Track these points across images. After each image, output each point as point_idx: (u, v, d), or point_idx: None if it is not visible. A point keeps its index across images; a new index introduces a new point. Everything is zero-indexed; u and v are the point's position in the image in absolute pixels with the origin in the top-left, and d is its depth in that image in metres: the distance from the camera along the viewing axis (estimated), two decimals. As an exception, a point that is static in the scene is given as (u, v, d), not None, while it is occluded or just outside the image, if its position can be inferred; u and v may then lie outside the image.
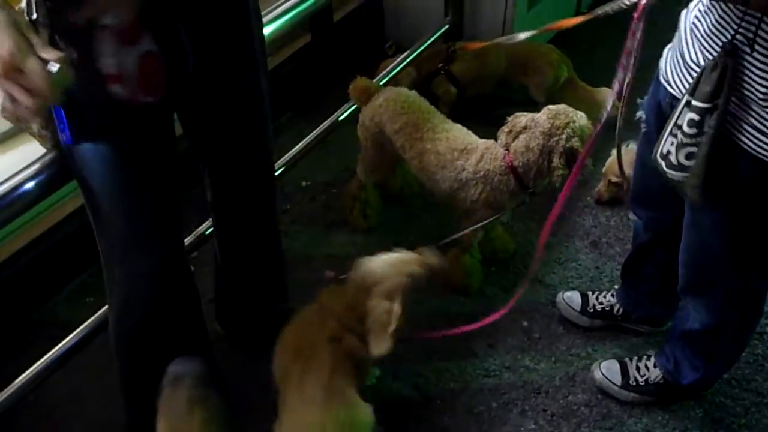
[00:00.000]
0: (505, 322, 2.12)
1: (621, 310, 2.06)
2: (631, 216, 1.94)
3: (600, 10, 1.45)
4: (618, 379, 1.92)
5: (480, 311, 2.15)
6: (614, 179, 2.42)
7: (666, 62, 1.46)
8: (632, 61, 1.37)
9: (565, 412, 1.91)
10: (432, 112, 2.15)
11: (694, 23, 1.30)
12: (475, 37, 2.90)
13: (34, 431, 1.90)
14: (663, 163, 1.35)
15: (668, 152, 1.33)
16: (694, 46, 1.32)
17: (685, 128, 1.26)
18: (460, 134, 2.08)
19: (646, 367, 1.91)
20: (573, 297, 2.12)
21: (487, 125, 2.72)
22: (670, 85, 1.42)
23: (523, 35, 1.96)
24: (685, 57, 1.35)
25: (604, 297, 2.09)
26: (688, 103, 1.25)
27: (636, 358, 1.95)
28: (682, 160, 1.31)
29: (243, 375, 1.96)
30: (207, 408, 1.11)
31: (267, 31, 2.13)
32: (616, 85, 1.42)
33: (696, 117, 1.24)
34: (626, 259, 2.00)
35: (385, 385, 1.97)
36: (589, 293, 2.12)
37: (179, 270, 1.57)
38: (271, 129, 1.66)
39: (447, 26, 2.86)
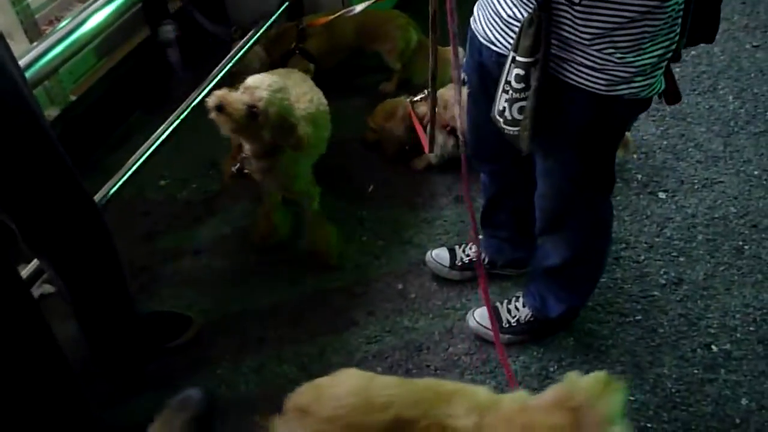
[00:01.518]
0: (381, 287, 2.17)
1: (486, 258, 2.13)
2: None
3: None
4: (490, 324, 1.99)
5: (356, 282, 2.19)
6: (372, 125, 2.58)
7: (480, 23, 1.49)
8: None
9: (447, 365, 1.97)
10: None
11: None
12: (316, 10, 2.88)
13: None
14: (501, 120, 1.40)
15: (503, 108, 1.38)
16: (508, 3, 1.36)
17: (514, 83, 1.32)
18: None
19: (516, 308, 2.00)
20: (441, 253, 2.17)
21: (346, 94, 2.76)
22: (492, 44, 1.46)
23: (359, 7, 1.98)
24: (501, 14, 1.39)
25: (470, 248, 2.16)
26: (513, 60, 1.31)
27: (506, 301, 2.03)
28: (516, 115, 1.37)
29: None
30: None
31: (94, 22, 2.04)
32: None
33: (522, 72, 1.30)
34: (482, 210, 2.07)
35: (271, 371, 1.95)
36: (456, 247, 2.18)
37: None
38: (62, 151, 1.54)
39: (286, 3, 2.82)
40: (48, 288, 2.17)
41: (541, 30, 1.26)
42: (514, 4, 1.34)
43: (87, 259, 1.70)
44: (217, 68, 2.51)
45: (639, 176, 2.52)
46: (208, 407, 1.18)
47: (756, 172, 2.53)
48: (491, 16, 1.43)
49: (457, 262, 2.15)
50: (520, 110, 1.36)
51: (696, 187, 2.48)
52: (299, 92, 2.11)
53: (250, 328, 2.07)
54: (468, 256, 2.15)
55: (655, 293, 2.14)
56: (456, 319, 2.07)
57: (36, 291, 2.12)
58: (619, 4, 1.19)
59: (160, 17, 2.87)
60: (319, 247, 2.21)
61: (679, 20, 1.28)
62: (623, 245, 2.28)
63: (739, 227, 2.33)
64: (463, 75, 1.65)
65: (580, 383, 1.17)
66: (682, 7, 1.25)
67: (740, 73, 3.00)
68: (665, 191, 2.47)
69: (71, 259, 1.67)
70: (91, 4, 2.04)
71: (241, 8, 3.06)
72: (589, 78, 1.31)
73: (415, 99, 2.49)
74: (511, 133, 1.40)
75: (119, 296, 1.85)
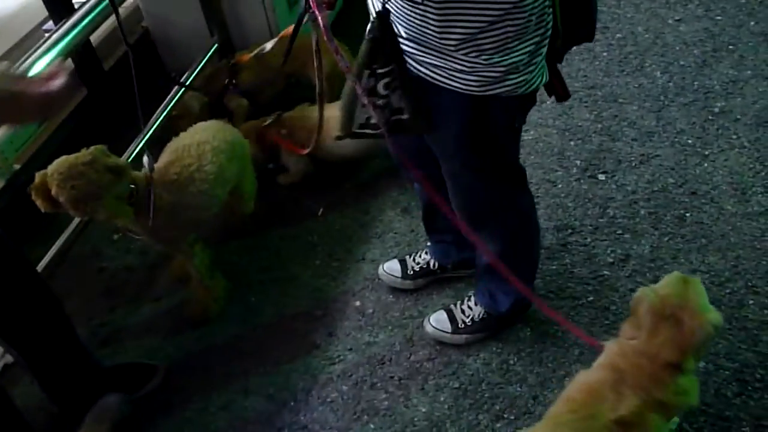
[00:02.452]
0: (339, 307, 2.20)
1: (436, 264, 2.18)
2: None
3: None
4: (448, 326, 2.03)
5: (315, 305, 2.22)
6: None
7: None
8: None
9: (410, 373, 2.00)
10: None
11: None
12: (247, 46, 2.93)
13: None
14: (369, 130, 1.46)
15: (368, 117, 1.43)
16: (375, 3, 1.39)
17: (381, 91, 1.37)
18: None
19: (469, 307, 2.04)
20: (393, 265, 2.21)
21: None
22: None
23: (269, 44, 2.04)
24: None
25: (420, 257, 2.20)
26: (373, 72, 1.35)
27: (459, 302, 2.07)
28: (388, 116, 1.42)
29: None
30: None
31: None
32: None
33: (387, 79, 1.36)
34: (422, 217, 2.11)
35: (239, 405, 1.98)
36: (407, 257, 2.22)
37: None
38: None
39: (216, 44, 2.88)
40: (9, 358, 2.19)
41: (387, 36, 1.31)
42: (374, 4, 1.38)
43: (36, 327, 1.73)
44: (156, 113, 2.57)
45: (577, 162, 2.58)
46: (127, 410, 1.18)
47: (690, 141, 2.60)
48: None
49: (408, 271, 2.19)
50: (395, 111, 1.41)
51: (634, 164, 2.55)
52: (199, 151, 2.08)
53: (215, 365, 2.09)
54: (419, 264, 2.19)
55: (605, 272, 2.19)
56: (414, 327, 2.11)
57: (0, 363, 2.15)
58: (476, 9, 1.23)
59: (95, 75, 2.91)
60: (194, 306, 2.22)
61: (546, 18, 1.32)
62: (569, 231, 2.33)
63: (678, 196, 2.40)
64: None
65: (662, 290, 1.35)
66: (546, 5, 1.30)
67: (665, 48, 3.09)
68: (604, 173, 2.53)
69: (20, 329, 1.70)
70: (18, 66, 2.07)
71: (175, 55, 3.12)
72: (462, 81, 1.36)
73: (266, 123, 2.56)
74: (375, 132, 1.46)
75: (76, 357, 1.87)
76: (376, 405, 1.93)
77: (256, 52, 2.21)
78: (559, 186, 2.49)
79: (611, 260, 2.22)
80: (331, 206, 2.56)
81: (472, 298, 2.05)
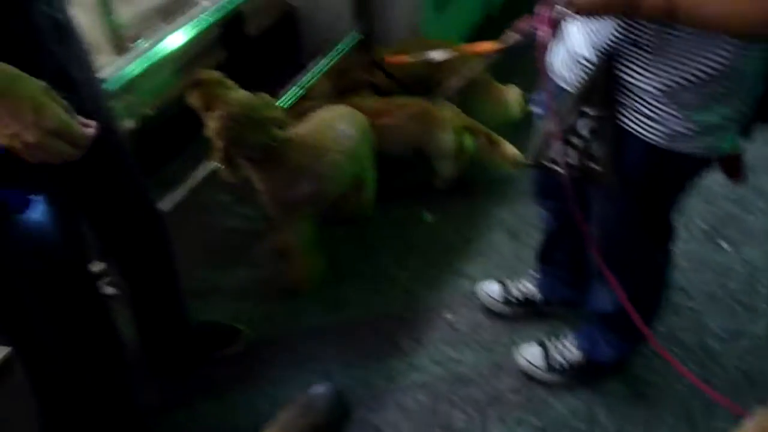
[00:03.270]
0: (430, 316, 2.17)
1: (539, 295, 2.11)
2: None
3: (511, 40, 1.50)
4: (541, 362, 1.96)
5: (405, 308, 2.19)
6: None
7: (556, 57, 1.50)
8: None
9: (492, 400, 1.94)
10: None
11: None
12: (386, 43, 2.94)
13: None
14: (555, 166, 1.42)
15: (566, 154, 1.39)
16: (579, 42, 1.36)
17: (583, 133, 1.33)
18: None
19: (566, 347, 1.96)
20: (493, 287, 2.16)
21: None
22: (563, 80, 1.46)
23: (438, 54, 2.03)
24: (570, 52, 1.40)
25: (523, 285, 2.14)
26: (581, 112, 1.32)
27: (556, 340, 2.00)
28: (581, 159, 1.38)
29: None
30: None
31: (176, 42, 2.15)
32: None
33: (593, 123, 1.32)
34: (539, 247, 2.05)
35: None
36: (509, 282, 2.17)
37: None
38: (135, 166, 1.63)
39: (358, 35, 2.91)
40: (109, 290, 2.26)
41: (611, 82, 1.27)
42: (587, 46, 1.34)
43: (149, 265, 1.77)
44: (286, 92, 2.61)
45: (702, 224, 2.46)
46: (339, 411, 1.13)
47: (827, 230, 2.44)
48: (565, 52, 1.44)
49: (508, 297, 2.13)
50: (590, 156, 1.37)
51: (761, 239, 2.41)
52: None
53: (299, 345, 2.09)
54: (520, 291, 2.13)
55: (713, 345, 2.07)
56: (504, 355, 2.05)
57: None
58: (696, 62, 1.18)
59: (237, 41, 2.99)
60: (288, 278, 2.24)
61: (757, 88, 1.26)
62: (681, 293, 2.22)
63: (806, 284, 2.25)
64: (535, 108, 1.66)
65: None
66: (761, 74, 1.23)
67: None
68: (728, 241, 2.40)
69: (135, 264, 1.75)
70: (173, 25, 2.16)
71: (315, 36, 3.17)
72: (648, 128, 1.30)
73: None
74: (572, 175, 1.41)
75: (175, 302, 1.91)
76: (452, 424, 1.88)
77: (419, 58, 2.20)
78: (679, 245, 2.36)
79: (722, 334, 2.10)
80: (439, 214, 2.53)
81: (572, 339, 1.97)
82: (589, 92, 1.31)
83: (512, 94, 2.74)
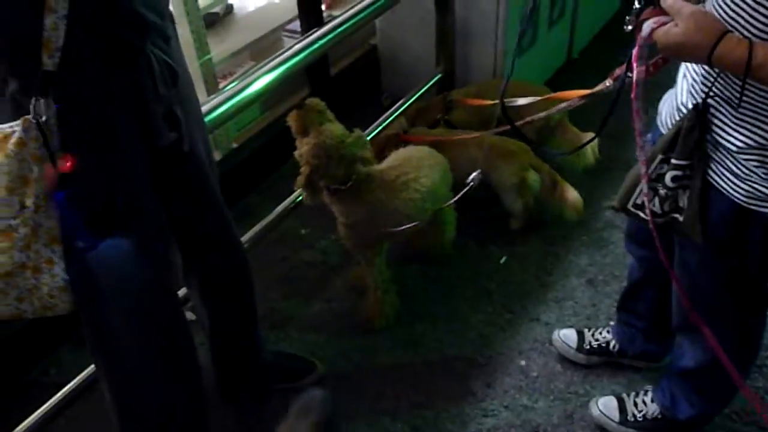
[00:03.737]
0: (503, 361, 2.14)
1: (617, 346, 2.06)
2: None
3: (601, 86, 1.50)
4: (616, 415, 1.91)
5: (478, 351, 2.18)
6: None
7: (663, 106, 1.49)
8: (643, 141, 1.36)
9: (564, 451, 1.90)
10: None
11: (686, 67, 1.34)
12: (467, 82, 2.97)
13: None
14: (640, 212, 1.41)
15: (643, 203, 1.38)
16: (683, 89, 1.35)
17: (668, 182, 1.31)
18: None
19: (644, 402, 1.90)
20: (569, 334, 2.12)
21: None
22: (664, 127, 1.45)
23: (522, 101, 2.05)
24: (676, 99, 1.39)
25: (600, 334, 2.10)
26: (667, 160, 1.31)
27: (633, 393, 1.94)
28: (666, 208, 1.37)
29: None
30: None
31: (264, 83, 2.23)
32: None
33: (678, 173, 1.30)
34: (621, 295, 2.01)
35: (384, 427, 1.97)
36: (586, 330, 2.13)
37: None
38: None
39: (439, 75, 2.95)
40: (189, 315, 2.33)
41: (702, 136, 1.25)
42: (687, 94, 1.33)
43: (230, 293, 1.83)
44: (368, 131, 2.66)
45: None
46: (332, 409, 1.17)
47: None
48: (671, 101, 1.43)
49: (585, 345, 2.09)
50: (673, 206, 1.35)
51: None
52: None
53: (370, 381, 2.11)
54: (597, 340, 2.08)
55: (804, 410, 1.97)
56: (578, 405, 2.00)
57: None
58: None
59: (321, 78, 3.08)
60: (362, 314, 2.27)
61: None
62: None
63: None
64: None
65: None
66: None
67: None
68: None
69: (217, 292, 1.80)
70: (262, 66, 2.25)
71: (396, 77, 3.24)
72: (731, 185, 1.28)
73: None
74: (656, 222, 1.38)
75: (251, 332, 1.95)
76: (523, 473, 1.85)
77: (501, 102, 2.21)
78: None
79: (815, 398, 2.00)
80: (514, 257, 2.52)
81: (650, 394, 1.91)
82: (675, 140, 1.29)
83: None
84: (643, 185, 1.34)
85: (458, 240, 2.50)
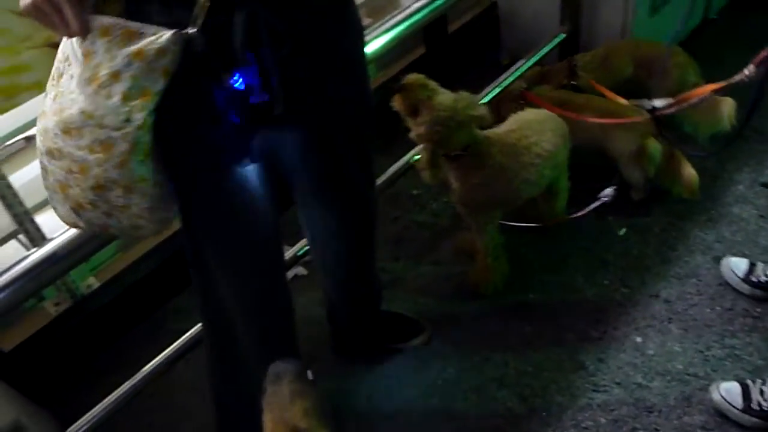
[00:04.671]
0: (617, 336, 2.07)
1: None
2: None
3: (740, 76, 1.40)
4: (739, 402, 1.81)
5: (592, 326, 2.12)
6: None
7: None
8: None
9: (679, 434, 1.83)
10: None
11: None
12: (592, 45, 2.83)
13: (153, 419, 2.05)
14: None
15: None
16: None
17: None
18: None
19: None
20: (739, 264, 2.14)
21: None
22: None
23: (660, 102, 1.93)
24: None
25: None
26: None
27: (760, 381, 1.83)
28: None
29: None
30: (308, 399, 1.17)
31: (381, 42, 2.22)
32: None
33: None
34: None
35: (490, 394, 1.96)
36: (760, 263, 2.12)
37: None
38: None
39: (563, 35, 2.82)
40: (302, 270, 2.40)
41: None
42: None
43: (353, 245, 1.81)
44: (486, 92, 2.60)
45: None
46: (301, 369, 1.22)
47: None
48: None
49: (753, 278, 2.08)
50: None
51: None
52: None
53: (477, 346, 2.10)
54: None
55: None
56: (696, 388, 1.91)
57: (291, 272, 2.36)
58: None
59: (438, 37, 3.02)
60: (472, 279, 2.25)
61: None
62: None
63: None
64: None
65: None
66: None
67: None
68: None
69: (344, 232, 1.76)
70: (380, 25, 2.24)
71: (516, 35, 3.13)
72: None
73: None
74: None
75: (369, 285, 1.98)
76: (632, 452, 1.80)
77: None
78: None
79: None
80: (634, 229, 2.40)
81: None
82: None
83: (726, 105, 2.52)
84: None
85: (574, 210, 2.41)
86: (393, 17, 2.36)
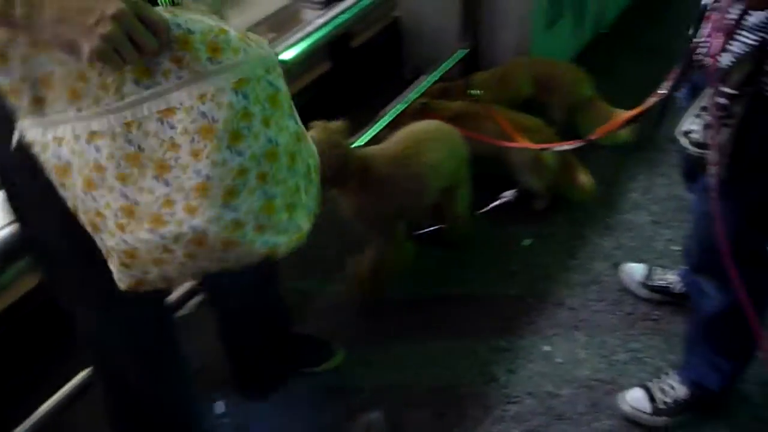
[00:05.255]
0: (526, 346, 2.11)
1: (683, 289, 2.11)
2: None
3: (653, 99, 1.57)
4: (647, 406, 1.87)
5: (501, 337, 2.14)
6: None
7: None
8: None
9: (589, 440, 1.87)
10: None
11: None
12: (493, 60, 2.89)
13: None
14: (685, 140, 1.42)
15: (691, 131, 1.40)
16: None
17: (714, 111, 1.32)
18: None
19: (671, 386, 1.87)
20: (636, 268, 2.23)
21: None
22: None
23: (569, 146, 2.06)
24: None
25: (667, 275, 2.18)
26: (717, 90, 1.31)
27: (657, 380, 1.91)
28: (707, 140, 1.37)
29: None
30: None
31: (285, 58, 2.18)
32: None
33: (725, 101, 1.31)
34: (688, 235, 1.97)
35: (405, 413, 1.94)
36: (655, 268, 2.21)
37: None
38: None
39: (464, 51, 2.87)
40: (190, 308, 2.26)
41: (759, 67, 1.27)
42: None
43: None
44: (390, 109, 2.60)
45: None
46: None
47: None
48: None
49: (649, 282, 2.18)
50: (713, 136, 1.35)
51: None
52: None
53: (390, 364, 2.08)
54: (663, 280, 2.17)
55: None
56: (603, 394, 1.97)
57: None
58: None
59: (342, 52, 3.00)
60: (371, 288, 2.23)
61: None
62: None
63: None
64: (680, 95, 1.61)
65: None
66: None
67: None
68: None
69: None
70: (283, 40, 2.22)
71: (420, 50, 3.15)
72: None
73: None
74: (694, 154, 1.41)
75: (274, 313, 1.92)
76: (546, 461, 1.83)
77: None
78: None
79: None
80: (538, 238, 2.47)
81: (673, 376, 1.89)
82: (732, 72, 1.31)
83: (621, 117, 2.63)
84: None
85: (480, 221, 2.45)
86: (295, 33, 2.33)
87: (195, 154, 1.00)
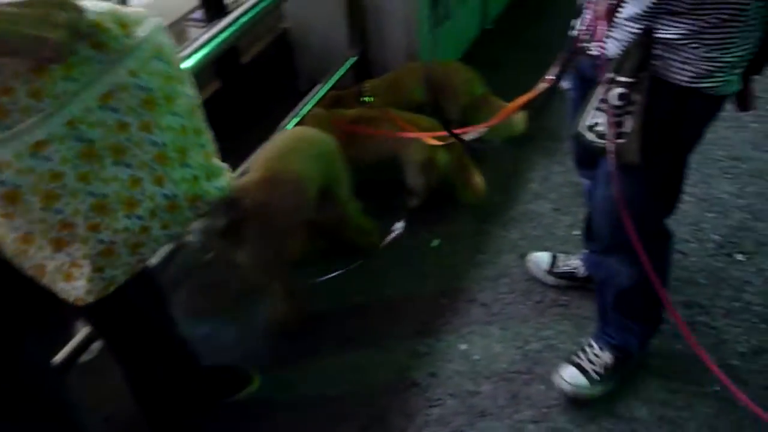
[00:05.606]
0: (443, 347, 2.12)
1: (585, 273, 2.21)
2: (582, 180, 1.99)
3: (541, 86, 1.61)
4: (583, 380, 1.92)
5: (419, 341, 2.14)
6: None
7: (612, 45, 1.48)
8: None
9: (512, 432, 1.90)
10: None
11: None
12: (384, 65, 2.90)
13: None
14: (590, 135, 1.46)
15: (596, 124, 1.44)
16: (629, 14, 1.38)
17: (614, 102, 1.37)
18: None
19: (596, 354, 1.94)
20: (543, 257, 2.29)
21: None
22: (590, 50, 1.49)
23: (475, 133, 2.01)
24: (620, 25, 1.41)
25: (571, 260, 2.26)
26: (612, 80, 1.36)
27: (582, 353, 1.96)
28: (610, 130, 1.41)
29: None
30: None
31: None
32: None
33: (623, 90, 1.36)
34: (584, 223, 2.06)
35: (331, 430, 1.92)
36: (559, 255, 2.28)
37: None
38: None
39: (354, 58, 2.86)
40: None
41: (648, 52, 1.32)
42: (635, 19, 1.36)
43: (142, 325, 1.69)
44: (285, 122, 2.56)
45: (714, 237, 2.42)
46: None
47: (843, 233, 2.40)
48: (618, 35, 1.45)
49: (555, 269, 2.25)
50: (619, 124, 1.39)
51: (776, 247, 2.36)
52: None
53: (309, 385, 2.04)
54: (568, 266, 2.24)
55: (734, 362, 2.02)
56: (521, 384, 2.00)
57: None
58: (712, 8, 1.25)
59: (231, 69, 2.94)
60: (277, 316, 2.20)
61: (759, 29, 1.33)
62: (698, 309, 2.17)
63: (826, 293, 2.20)
64: (566, 84, 1.68)
65: None
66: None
67: (823, 127, 2.88)
68: (743, 253, 2.35)
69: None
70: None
71: (310, 59, 3.13)
72: (675, 70, 1.34)
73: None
74: (599, 146, 1.44)
75: (176, 349, 1.85)
76: (473, 460, 1.84)
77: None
78: (692, 259, 2.33)
79: (743, 350, 2.05)
80: (445, 238, 2.49)
81: (594, 345, 1.96)
82: (624, 61, 1.35)
83: (513, 104, 2.70)
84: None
85: (384, 227, 2.45)
86: (179, 51, 2.25)
87: (145, 128, 1.06)
